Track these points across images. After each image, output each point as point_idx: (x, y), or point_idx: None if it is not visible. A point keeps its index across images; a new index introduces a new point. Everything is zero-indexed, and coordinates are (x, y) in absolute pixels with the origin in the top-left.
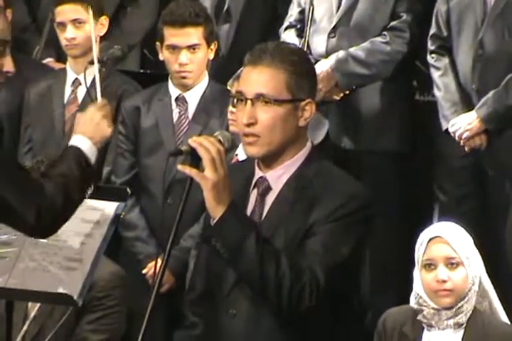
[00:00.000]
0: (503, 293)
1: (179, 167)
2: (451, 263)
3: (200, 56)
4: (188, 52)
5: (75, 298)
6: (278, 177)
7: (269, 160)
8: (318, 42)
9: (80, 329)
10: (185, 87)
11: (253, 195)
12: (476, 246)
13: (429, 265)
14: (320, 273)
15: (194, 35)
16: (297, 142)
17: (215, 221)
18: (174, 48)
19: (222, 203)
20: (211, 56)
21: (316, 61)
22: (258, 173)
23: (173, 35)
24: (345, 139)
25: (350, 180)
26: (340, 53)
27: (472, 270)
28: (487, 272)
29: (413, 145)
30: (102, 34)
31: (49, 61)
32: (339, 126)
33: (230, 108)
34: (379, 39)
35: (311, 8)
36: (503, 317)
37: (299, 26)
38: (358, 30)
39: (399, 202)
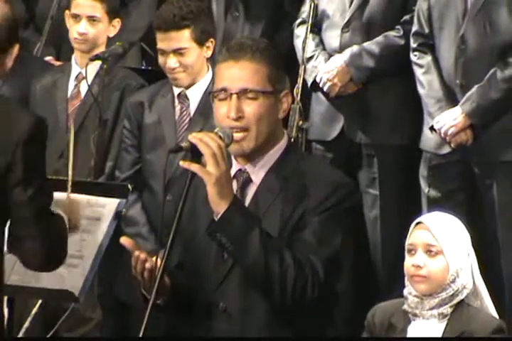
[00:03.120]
0: (491, 288)
1: (181, 163)
2: (430, 251)
3: (190, 58)
4: (175, 56)
5: (77, 294)
6: (258, 168)
7: (251, 153)
8: (332, 37)
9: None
10: (184, 86)
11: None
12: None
13: (410, 250)
14: (318, 265)
15: (179, 39)
16: (276, 134)
17: (219, 216)
18: (163, 52)
19: (226, 198)
20: (208, 54)
21: (330, 56)
22: (236, 166)
23: (159, 40)
24: (360, 133)
25: (332, 168)
26: (355, 48)
27: (456, 262)
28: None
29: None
30: (111, 35)
31: (49, 59)
32: (354, 120)
33: None
34: (392, 33)
35: (313, 4)
36: (493, 312)
37: (311, 22)
38: (371, 25)
39: (410, 195)
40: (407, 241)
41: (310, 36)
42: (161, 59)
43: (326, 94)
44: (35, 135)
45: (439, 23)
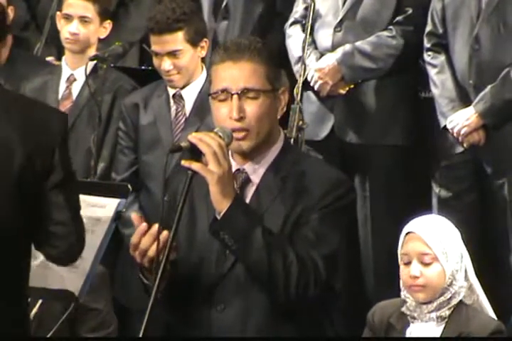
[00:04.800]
0: (499, 287)
1: (183, 162)
2: (425, 259)
3: (185, 60)
4: (169, 58)
5: (77, 294)
6: (257, 168)
7: (250, 152)
8: (324, 37)
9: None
10: (179, 88)
11: None
12: (473, 240)
13: (405, 260)
14: (319, 262)
15: (173, 41)
16: (274, 133)
17: (222, 214)
18: (157, 54)
19: (228, 196)
20: (202, 53)
21: (322, 55)
22: (234, 166)
23: (153, 42)
24: (351, 133)
25: (330, 166)
26: (347, 47)
27: (451, 265)
28: (485, 267)
29: (417, 139)
30: (102, 37)
31: (51, 60)
32: (344, 120)
33: None
34: (385, 33)
35: (313, 4)
36: (490, 311)
37: (304, 22)
38: (364, 25)
39: (404, 196)
40: (400, 251)
41: (303, 36)
42: (155, 61)
43: (316, 93)
44: (67, 133)
45: (453, 23)
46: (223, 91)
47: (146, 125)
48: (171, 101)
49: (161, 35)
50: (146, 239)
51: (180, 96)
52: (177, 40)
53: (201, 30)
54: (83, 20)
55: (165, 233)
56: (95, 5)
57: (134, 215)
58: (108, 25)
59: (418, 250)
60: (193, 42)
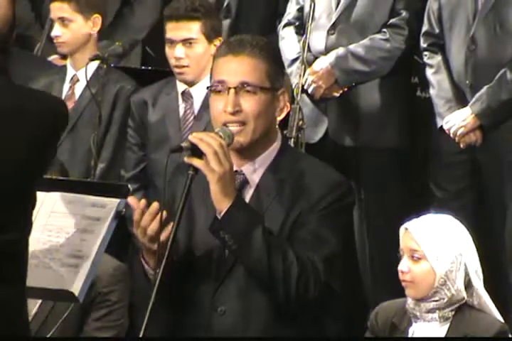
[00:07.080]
0: (498, 287)
1: (185, 159)
2: (414, 256)
3: (198, 51)
4: (183, 47)
5: (77, 294)
6: (254, 170)
7: (246, 152)
8: (318, 39)
9: (88, 327)
10: (188, 83)
11: None
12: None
13: (401, 255)
14: (319, 264)
15: (189, 29)
16: (271, 134)
17: (222, 213)
18: (172, 42)
19: (229, 196)
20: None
21: (315, 58)
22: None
23: (169, 29)
24: (345, 136)
25: (328, 168)
26: (340, 50)
27: (442, 265)
28: (482, 267)
29: (412, 141)
30: (93, 32)
31: (54, 58)
32: (338, 123)
33: None
34: (378, 36)
35: (313, 4)
36: (494, 312)
37: (297, 23)
38: (358, 27)
39: (399, 198)
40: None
41: (296, 38)
42: (168, 51)
43: (310, 96)
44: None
45: (450, 23)
46: (221, 82)
47: (155, 122)
48: (180, 99)
49: (178, 22)
50: (146, 217)
51: (189, 94)
52: (193, 28)
53: (217, 28)
54: (62, 21)
55: (164, 213)
56: (70, 4)
57: (131, 198)
58: (97, 19)
59: (408, 246)
60: (209, 36)
